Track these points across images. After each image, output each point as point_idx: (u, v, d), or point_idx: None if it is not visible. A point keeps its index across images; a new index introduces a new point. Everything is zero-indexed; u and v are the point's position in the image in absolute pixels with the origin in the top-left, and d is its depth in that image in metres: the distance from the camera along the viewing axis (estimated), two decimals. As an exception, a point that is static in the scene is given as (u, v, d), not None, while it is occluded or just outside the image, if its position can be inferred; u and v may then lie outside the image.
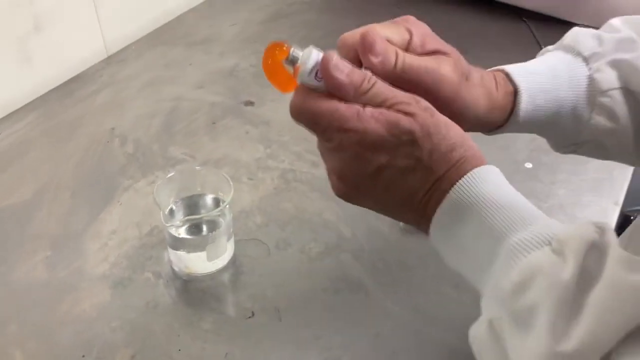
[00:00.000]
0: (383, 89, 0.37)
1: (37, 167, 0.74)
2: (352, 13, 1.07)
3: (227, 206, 0.59)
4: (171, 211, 0.61)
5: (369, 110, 0.36)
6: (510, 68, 0.47)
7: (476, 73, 0.45)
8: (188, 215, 0.62)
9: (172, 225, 0.59)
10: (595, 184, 0.73)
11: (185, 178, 0.62)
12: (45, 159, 0.75)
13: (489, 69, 0.48)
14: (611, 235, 0.32)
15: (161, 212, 0.58)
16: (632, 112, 0.46)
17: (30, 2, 0.81)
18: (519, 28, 1.03)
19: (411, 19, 0.43)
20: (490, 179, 0.37)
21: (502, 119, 0.47)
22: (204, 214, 0.62)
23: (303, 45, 0.39)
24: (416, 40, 0.41)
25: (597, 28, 0.50)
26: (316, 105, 0.36)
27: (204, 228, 0.61)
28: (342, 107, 0.36)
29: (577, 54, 0.47)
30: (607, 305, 0.29)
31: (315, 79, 0.37)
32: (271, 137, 0.79)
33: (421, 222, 0.38)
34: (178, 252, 0.60)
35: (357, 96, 0.37)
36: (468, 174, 0.36)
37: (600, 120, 0.46)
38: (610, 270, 0.30)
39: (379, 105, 0.36)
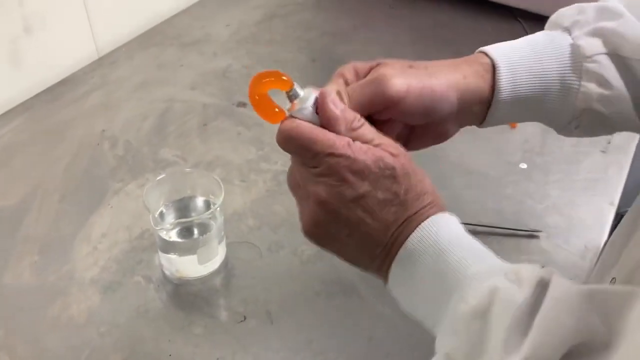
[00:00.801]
0: (371, 130, 0.41)
1: (27, 170, 0.73)
2: (346, 13, 1.06)
3: (218, 209, 0.58)
4: (161, 214, 0.61)
5: (358, 143, 0.39)
6: (488, 47, 0.46)
7: (429, 64, 0.45)
8: (179, 218, 0.61)
9: (162, 229, 0.58)
10: (590, 184, 0.73)
11: (176, 180, 0.61)
12: (35, 162, 0.74)
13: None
14: (556, 274, 0.35)
15: (151, 215, 0.57)
16: (626, 78, 0.45)
17: (19, 3, 0.80)
18: (513, 28, 1.02)
19: (346, 66, 0.45)
20: (452, 225, 0.40)
21: (486, 101, 0.46)
22: (194, 217, 0.61)
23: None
24: (350, 78, 0.44)
25: None
26: (310, 131, 0.39)
27: (195, 231, 0.60)
28: (334, 136, 0.39)
29: (558, 26, 0.47)
30: (548, 320, 0.31)
31: (311, 114, 0.40)
32: (264, 139, 0.78)
33: (385, 261, 0.40)
34: (169, 255, 0.59)
35: (348, 131, 0.40)
36: (435, 216, 0.39)
37: (591, 87, 0.45)
38: (554, 291, 0.33)
39: (366, 142, 0.39)
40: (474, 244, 0.39)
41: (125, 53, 0.95)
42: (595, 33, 0.45)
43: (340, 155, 0.38)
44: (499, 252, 0.64)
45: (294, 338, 0.56)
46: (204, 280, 0.60)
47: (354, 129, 0.40)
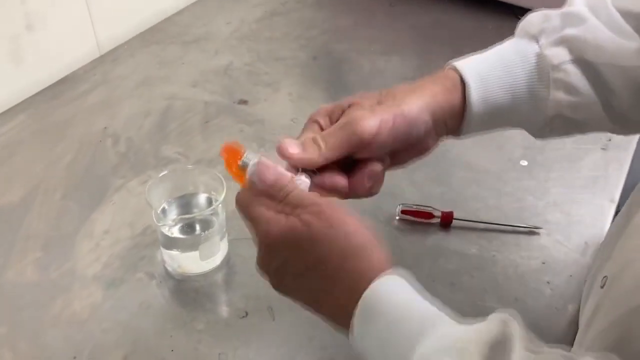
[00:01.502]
0: (297, 196, 0.41)
1: (29, 167, 0.74)
2: (346, 11, 1.06)
3: (220, 205, 0.58)
4: (164, 210, 0.61)
5: (276, 216, 0.40)
6: (457, 62, 0.47)
7: (395, 90, 0.45)
8: (181, 215, 0.61)
9: (164, 225, 0.58)
10: (590, 181, 0.73)
11: (178, 177, 0.61)
12: (37, 159, 0.75)
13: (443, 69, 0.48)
14: (515, 329, 0.33)
15: (153, 212, 0.57)
16: (593, 82, 0.46)
17: (21, 1, 0.80)
18: (513, 25, 1.02)
19: (320, 112, 0.46)
20: (383, 294, 0.37)
21: (458, 114, 0.46)
22: (197, 213, 0.62)
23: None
24: (324, 123, 0.45)
25: None
26: (245, 205, 0.42)
27: (197, 227, 0.61)
28: (259, 210, 0.41)
29: (526, 34, 0.48)
30: None
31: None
32: (265, 136, 0.79)
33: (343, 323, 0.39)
34: (171, 251, 0.60)
35: (280, 198, 0.41)
36: (366, 293, 0.37)
37: (559, 95, 0.46)
38: None
39: (294, 208, 0.40)
40: (424, 310, 0.36)
41: (127, 51, 0.95)
42: (561, 41, 0.46)
43: (259, 231, 0.41)
44: (499, 249, 0.65)
45: (295, 334, 0.56)
46: (206, 276, 0.61)
47: (280, 200, 0.41)
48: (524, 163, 0.76)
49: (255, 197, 0.42)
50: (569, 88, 0.46)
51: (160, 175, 0.60)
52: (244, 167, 0.43)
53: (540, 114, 0.47)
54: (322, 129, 0.45)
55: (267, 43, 0.98)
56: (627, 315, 0.37)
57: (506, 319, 0.34)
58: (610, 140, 0.79)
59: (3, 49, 0.81)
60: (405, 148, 0.47)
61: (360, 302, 0.36)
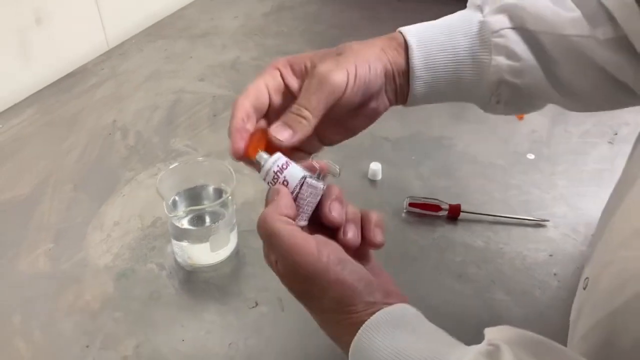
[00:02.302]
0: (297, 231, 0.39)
1: (39, 160, 0.74)
2: (353, 7, 1.07)
3: (230, 197, 0.59)
4: (174, 202, 0.61)
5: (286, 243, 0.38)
6: (404, 27, 0.48)
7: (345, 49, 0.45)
8: (191, 206, 0.62)
9: (175, 216, 0.59)
10: (597, 174, 0.73)
11: (189, 169, 0.62)
12: (47, 152, 0.75)
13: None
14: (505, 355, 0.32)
15: (164, 203, 0.58)
16: (534, 50, 0.46)
17: (30, -5, 0.81)
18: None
19: (280, 61, 0.45)
20: (380, 337, 0.36)
21: (405, 73, 0.47)
22: (206, 205, 0.62)
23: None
24: (288, 75, 0.45)
25: None
26: (268, 226, 0.38)
27: (207, 219, 0.61)
28: (274, 240, 0.38)
29: (472, 4, 0.49)
30: None
31: (270, 182, 0.41)
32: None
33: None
34: (181, 243, 0.60)
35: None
36: (367, 327, 0.36)
37: (500, 60, 0.46)
38: None
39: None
40: (419, 347, 0.35)
41: (135, 45, 0.96)
42: (502, 9, 0.47)
43: (271, 259, 0.39)
44: (506, 241, 0.65)
45: (304, 324, 0.57)
46: (215, 267, 0.61)
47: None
48: (531, 156, 0.76)
49: (281, 220, 0.39)
50: (510, 53, 0.46)
51: (171, 167, 0.60)
52: (258, 162, 0.42)
53: (484, 81, 0.47)
54: (282, 77, 0.44)
55: (274, 37, 0.98)
56: (607, 318, 0.37)
57: (497, 345, 0.33)
58: (616, 134, 0.80)
59: (12, 43, 0.81)
60: (358, 108, 0.46)
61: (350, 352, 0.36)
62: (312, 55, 0.45)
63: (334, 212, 0.40)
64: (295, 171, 0.40)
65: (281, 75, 0.44)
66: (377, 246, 0.41)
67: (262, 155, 0.41)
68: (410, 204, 0.67)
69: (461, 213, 0.67)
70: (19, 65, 0.83)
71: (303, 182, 0.40)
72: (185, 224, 0.60)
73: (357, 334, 0.36)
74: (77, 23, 0.89)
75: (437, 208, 0.67)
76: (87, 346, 0.54)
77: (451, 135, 0.79)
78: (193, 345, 0.55)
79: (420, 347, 0.34)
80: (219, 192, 0.62)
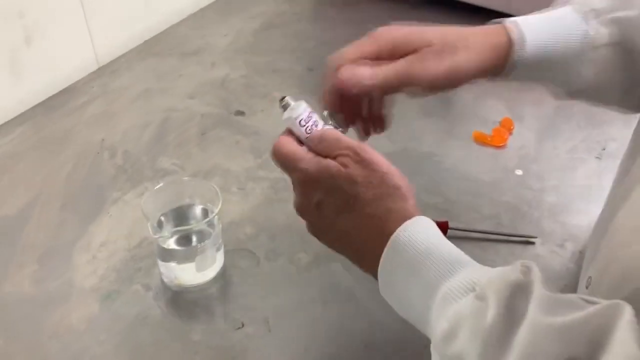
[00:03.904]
0: (332, 142, 0.44)
1: (27, 179, 0.74)
2: (342, 24, 1.07)
3: (216, 217, 0.59)
4: (160, 222, 0.61)
5: (314, 157, 0.44)
6: (508, 21, 0.50)
7: (466, 35, 0.49)
8: (177, 227, 0.62)
9: (160, 237, 0.58)
10: (585, 190, 0.74)
11: (174, 189, 0.62)
12: (36, 171, 0.75)
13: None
14: (536, 274, 0.34)
15: (149, 224, 0.58)
16: (624, 67, 0.49)
17: (20, 14, 0.81)
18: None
19: (381, 32, 0.49)
20: (421, 230, 0.41)
21: (498, 74, 0.50)
22: (192, 224, 0.62)
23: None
24: (384, 50, 0.48)
25: None
26: (285, 150, 0.45)
27: (194, 239, 0.61)
28: (297, 153, 0.44)
29: (579, 10, 0.50)
30: (530, 347, 0.30)
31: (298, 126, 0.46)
32: (261, 147, 0.79)
33: (373, 260, 0.42)
34: (168, 263, 0.60)
35: (315, 146, 0.45)
36: (402, 226, 0.40)
37: (588, 74, 0.49)
38: (533, 313, 0.32)
39: (328, 154, 0.44)
40: (451, 251, 0.40)
41: (125, 63, 0.96)
42: (611, 22, 0.48)
43: (295, 170, 0.44)
44: (494, 259, 0.65)
45: (291, 345, 0.56)
46: (202, 287, 0.61)
47: (316, 145, 0.45)
48: (519, 172, 0.76)
49: (292, 141, 0.45)
50: (602, 68, 0.49)
51: (157, 187, 0.60)
52: (283, 109, 0.47)
53: (571, 82, 0.50)
54: (377, 57, 0.48)
55: (263, 55, 0.99)
56: None
57: (529, 266, 0.35)
58: (604, 149, 0.80)
59: (3, 62, 0.82)
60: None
61: (394, 236, 0.40)
62: (418, 35, 0.48)
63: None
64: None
65: (378, 47, 0.48)
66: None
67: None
68: (398, 222, 0.67)
69: (449, 230, 0.67)
70: (9, 83, 0.83)
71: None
72: (171, 244, 0.60)
73: (413, 218, 0.40)
74: (67, 42, 0.90)
75: (425, 225, 0.67)
76: (71, 369, 0.54)
77: (440, 151, 0.79)
78: (178, 367, 0.54)
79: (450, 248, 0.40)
80: (205, 212, 0.62)
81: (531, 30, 0.49)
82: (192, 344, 0.56)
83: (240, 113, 0.86)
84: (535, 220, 0.70)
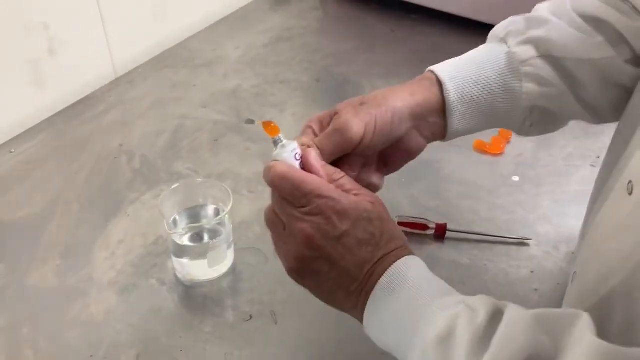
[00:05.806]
0: (350, 181, 0.46)
1: (50, 181, 0.78)
2: (348, 37, 1.12)
3: (227, 215, 0.62)
4: (175, 221, 0.65)
5: (336, 188, 0.44)
6: (434, 66, 0.52)
7: (377, 93, 0.50)
8: (190, 224, 0.65)
9: (175, 233, 0.62)
10: (579, 195, 0.77)
11: (189, 189, 0.66)
12: (57, 174, 0.80)
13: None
14: (510, 305, 0.39)
15: (165, 221, 0.62)
16: (562, 75, 0.50)
17: (45, 27, 0.86)
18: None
19: (312, 119, 0.50)
20: (420, 266, 0.44)
21: (438, 111, 0.50)
22: (205, 222, 0.66)
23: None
24: (317, 129, 0.50)
25: None
26: (302, 174, 0.44)
27: (206, 236, 0.65)
28: (322, 180, 0.44)
29: (494, 37, 0.53)
30: (506, 342, 0.35)
31: (292, 159, 0.46)
32: (270, 153, 0.83)
33: (360, 297, 0.43)
34: (181, 259, 0.64)
35: (330, 182, 0.45)
36: (405, 258, 0.43)
37: (531, 86, 0.50)
38: (510, 313, 0.37)
39: (346, 191, 0.45)
40: (440, 283, 0.44)
41: (141, 74, 1.01)
42: (527, 41, 0.51)
43: (327, 197, 0.43)
44: (490, 259, 0.68)
45: (296, 336, 0.60)
46: (213, 282, 0.65)
47: (334, 180, 0.45)
48: (516, 179, 0.80)
49: (307, 173, 0.45)
50: (540, 80, 0.50)
51: (173, 187, 0.64)
52: (275, 144, 0.47)
53: (518, 107, 0.51)
54: (315, 134, 0.49)
55: (273, 67, 1.03)
56: (595, 305, 0.40)
57: (506, 303, 0.39)
58: (598, 157, 0.83)
59: (26, 72, 0.87)
60: (392, 149, 0.51)
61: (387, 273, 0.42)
62: (339, 105, 0.50)
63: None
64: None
65: (314, 133, 0.49)
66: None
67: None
68: (399, 223, 0.71)
69: (448, 232, 0.70)
70: (31, 93, 0.88)
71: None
72: (185, 240, 0.64)
73: (399, 260, 0.43)
74: (87, 54, 0.95)
75: (425, 227, 0.71)
76: (91, 356, 0.57)
77: (440, 158, 0.83)
78: (191, 355, 0.58)
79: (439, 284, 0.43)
80: (217, 211, 0.66)
81: (455, 63, 0.51)
82: (203, 335, 0.60)
83: (251, 121, 0.90)
84: (530, 223, 0.73)
